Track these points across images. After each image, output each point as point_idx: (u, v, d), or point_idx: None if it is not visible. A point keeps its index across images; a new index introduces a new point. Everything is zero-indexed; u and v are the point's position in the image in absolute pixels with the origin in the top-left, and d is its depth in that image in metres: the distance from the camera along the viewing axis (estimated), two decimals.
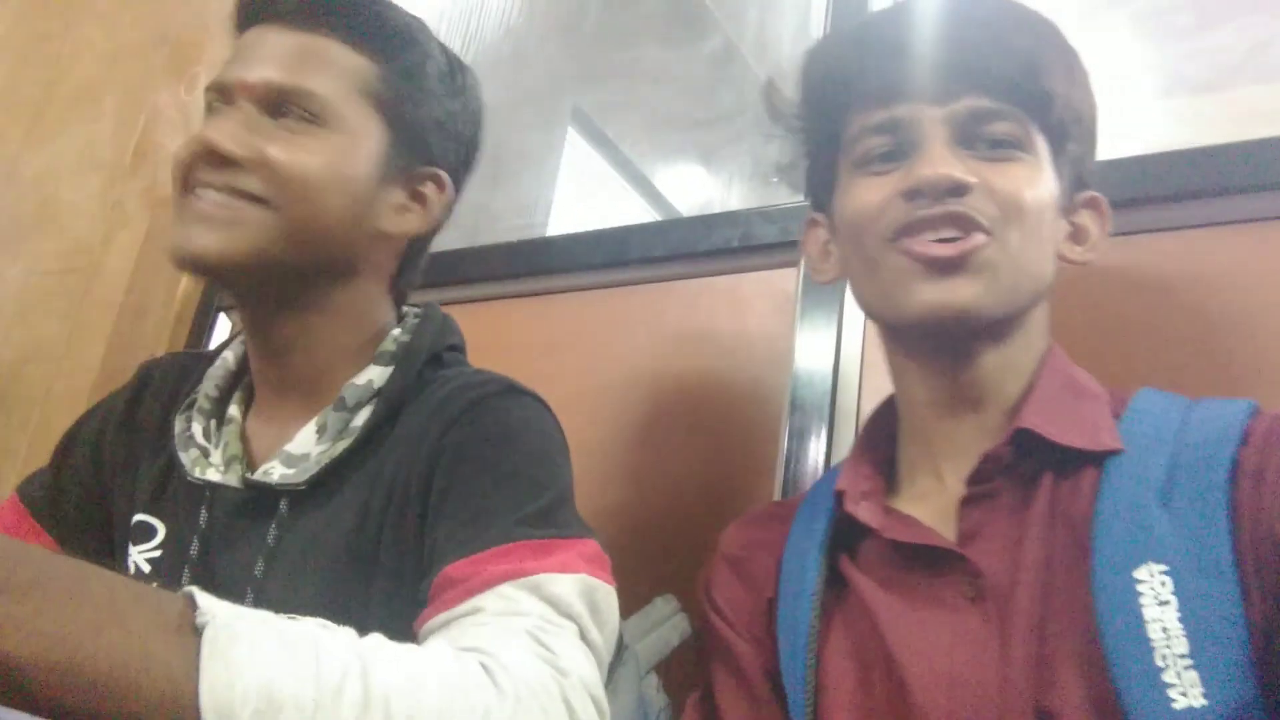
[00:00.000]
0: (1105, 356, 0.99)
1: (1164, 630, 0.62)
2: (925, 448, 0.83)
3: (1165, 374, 0.96)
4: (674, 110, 2.43)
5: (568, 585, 0.72)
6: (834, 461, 1.12)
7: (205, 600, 0.56)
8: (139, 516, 0.93)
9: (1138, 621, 0.63)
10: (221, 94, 0.87)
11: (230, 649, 0.54)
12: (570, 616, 0.71)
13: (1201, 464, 0.68)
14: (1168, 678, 0.61)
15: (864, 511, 0.80)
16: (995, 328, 0.78)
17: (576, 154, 2.45)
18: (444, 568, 0.73)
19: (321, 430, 0.87)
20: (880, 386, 1.14)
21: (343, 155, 0.85)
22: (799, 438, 1.15)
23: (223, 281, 0.87)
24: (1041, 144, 0.78)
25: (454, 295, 1.50)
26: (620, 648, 0.86)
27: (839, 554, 0.82)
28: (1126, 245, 1.00)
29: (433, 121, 0.92)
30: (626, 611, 0.85)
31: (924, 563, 0.76)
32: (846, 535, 0.83)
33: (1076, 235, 0.83)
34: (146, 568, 0.91)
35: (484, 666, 0.62)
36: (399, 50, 0.90)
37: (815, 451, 1.14)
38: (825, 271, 0.88)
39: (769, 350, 1.24)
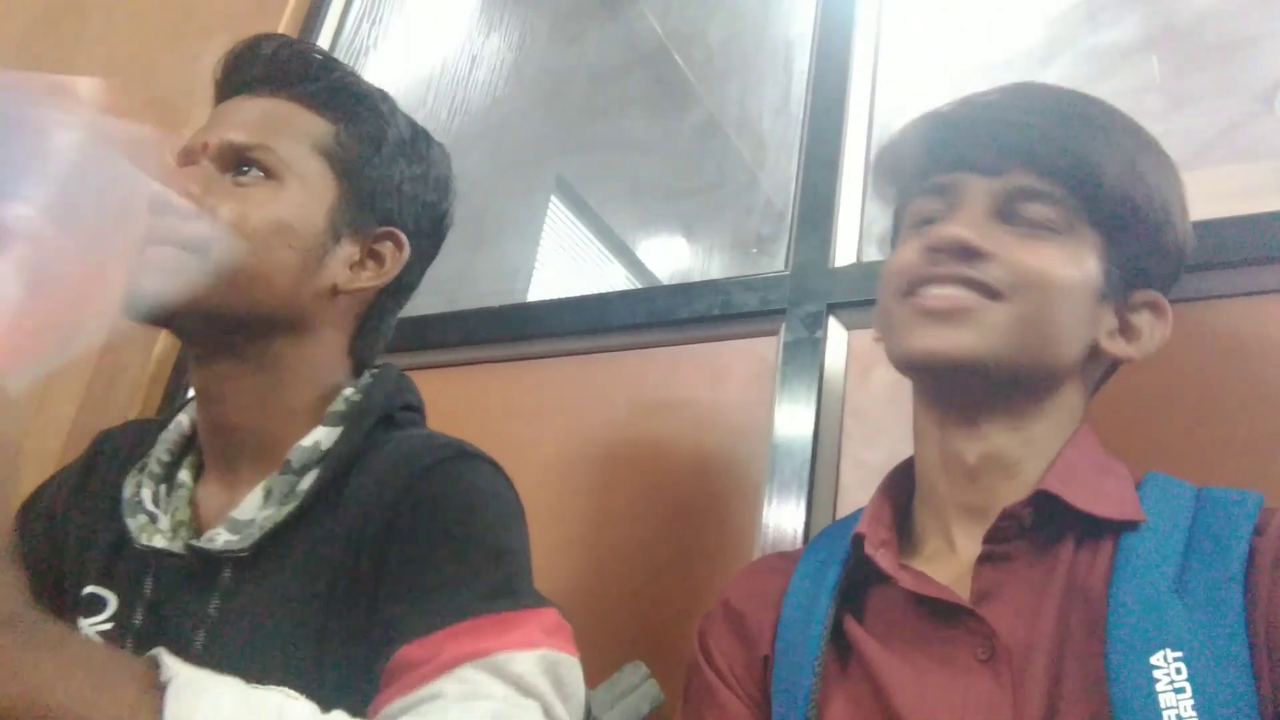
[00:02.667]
0: (1151, 425, 1.00)
1: (1178, 718, 0.62)
2: (937, 512, 0.83)
3: (1213, 444, 0.97)
4: (656, 180, 2.47)
5: (529, 663, 0.70)
6: (812, 532, 1.11)
7: (169, 659, 0.56)
8: (90, 589, 0.91)
9: (1154, 708, 0.62)
10: (186, 156, 0.90)
11: (193, 706, 0.53)
12: (534, 695, 0.69)
13: (1216, 553, 0.68)
14: None
15: (883, 559, 0.79)
16: (1005, 391, 0.79)
17: (559, 222, 2.47)
18: (400, 648, 0.71)
19: (268, 495, 0.85)
20: (861, 457, 1.15)
21: (292, 207, 0.87)
22: (777, 507, 1.15)
23: (166, 328, 0.89)
24: (1086, 230, 0.79)
25: (432, 360, 1.50)
26: (588, 717, 0.84)
27: (844, 611, 0.81)
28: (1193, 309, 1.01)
29: (390, 183, 0.94)
30: (591, 681, 0.83)
31: (937, 619, 0.75)
32: (855, 588, 0.82)
33: (1126, 331, 0.83)
34: (98, 640, 0.88)
35: None
36: (358, 115, 0.93)
37: (794, 521, 1.13)
38: (878, 332, 0.90)
39: (748, 419, 1.24)
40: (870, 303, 1.19)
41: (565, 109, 2.22)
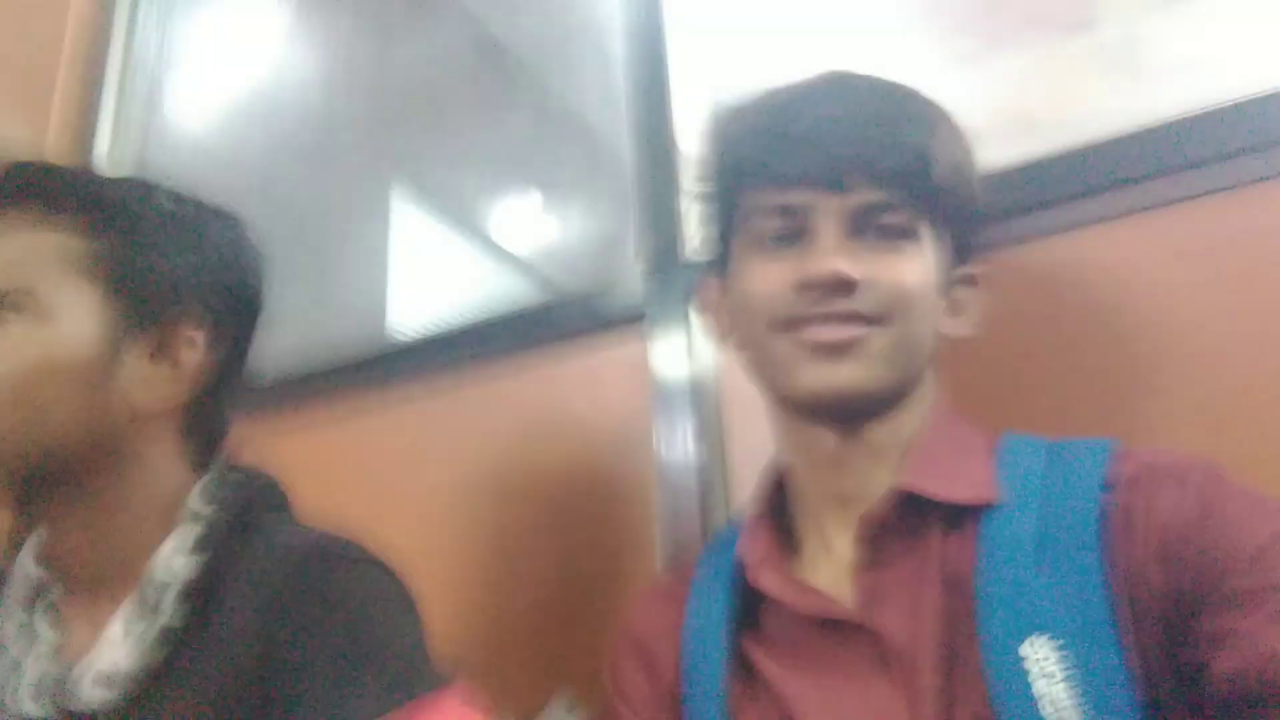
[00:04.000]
0: (1003, 371, 1.02)
1: (1054, 704, 0.64)
2: (810, 510, 0.85)
3: (1064, 380, 0.99)
4: (497, 174, 2.42)
5: None
6: (710, 528, 1.12)
7: None
8: None
9: (1029, 701, 0.65)
10: None
11: None
12: None
13: (1070, 520, 0.71)
14: None
15: (766, 581, 0.80)
16: (880, 405, 0.81)
17: (407, 229, 2.40)
18: None
19: (127, 628, 0.80)
20: (748, 445, 1.16)
21: (59, 345, 0.81)
22: (673, 514, 1.15)
23: None
24: (926, 230, 0.81)
25: (298, 421, 1.44)
26: None
27: (742, 633, 0.82)
28: (1015, 254, 1.03)
29: (161, 275, 0.86)
30: (521, 709, 0.82)
31: (828, 631, 0.77)
32: (748, 608, 0.83)
33: (953, 308, 0.86)
34: None
35: None
36: (105, 212, 0.85)
37: (690, 523, 1.13)
38: (723, 334, 0.90)
39: (629, 428, 1.23)
40: None
41: (392, 115, 2.15)
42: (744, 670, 0.81)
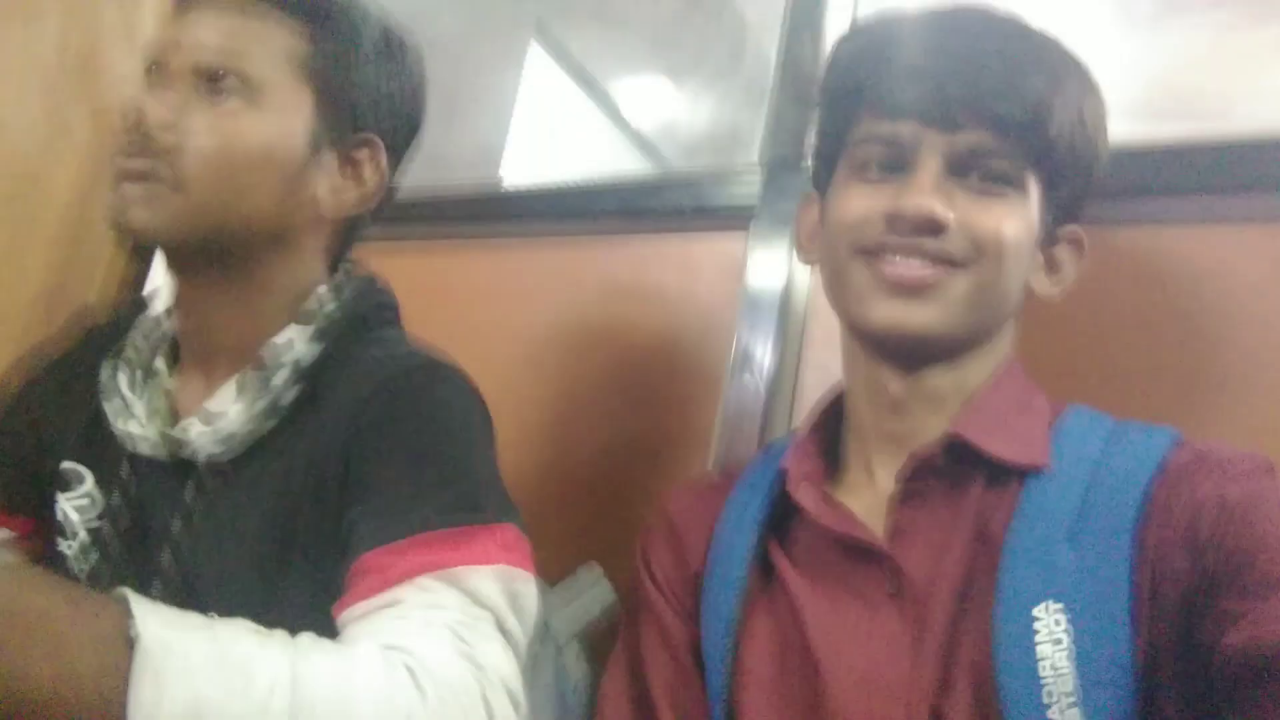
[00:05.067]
0: (1079, 345, 1.01)
1: (1054, 669, 0.66)
2: (861, 442, 0.86)
3: (1138, 368, 0.98)
4: (640, 26, 2.38)
5: (485, 577, 0.73)
6: (769, 438, 1.14)
7: (140, 609, 0.57)
8: (66, 463, 0.94)
9: (1031, 659, 0.67)
10: (157, 64, 0.87)
11: (161, 664, 0.55)
12: (487, 607, 0.72)
13: (1114, 499, 0.71)
14: (1051, 714, 0.65)
15: (804, 495, 0.82)
16: (950, 350, 0.81)
17: (539, 70, 2.40)
18: (363, 554, 0.74)
19: (241, 389, 0.87)
20: (823, 362, 1.17)
21: (272, 131, 0.87)
22: (736, 411, 1.17)
23: (148, 245, 0.89)
24: (1034, 183, 0.80)
25: (403, 234, 1.48)
26: (539, 626, 0.88)
27: (770, 537, 0.85)
28: (1117, 234, 1.01)
29: (366, 94, 0.92)
30: (550, 571, 0.87)
31: (851, 554, 0.79)
32: (782, 516, 0.85)
33: (1050, 266, 0.85)
34: (75, 516, 0.92)
35: (408, 669, 0.64)
36: (331, 23, 0.90)
37: (751, 426, 1.15)
38: (810, 253, 0.91)
39: (714, 315, 1.25)
40: None
41: None
42: (765, 571, 0.84)
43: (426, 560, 0.73)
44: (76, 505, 0.92)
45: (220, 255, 0.87)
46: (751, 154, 1.32)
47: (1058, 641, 0.67)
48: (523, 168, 2.21)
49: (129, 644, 0.55)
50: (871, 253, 0.79)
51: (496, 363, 1.32)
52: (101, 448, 0.92)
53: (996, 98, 0.77)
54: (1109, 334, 1.01)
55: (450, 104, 1.99)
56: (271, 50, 0.87)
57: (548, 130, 2.40)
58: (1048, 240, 0.84)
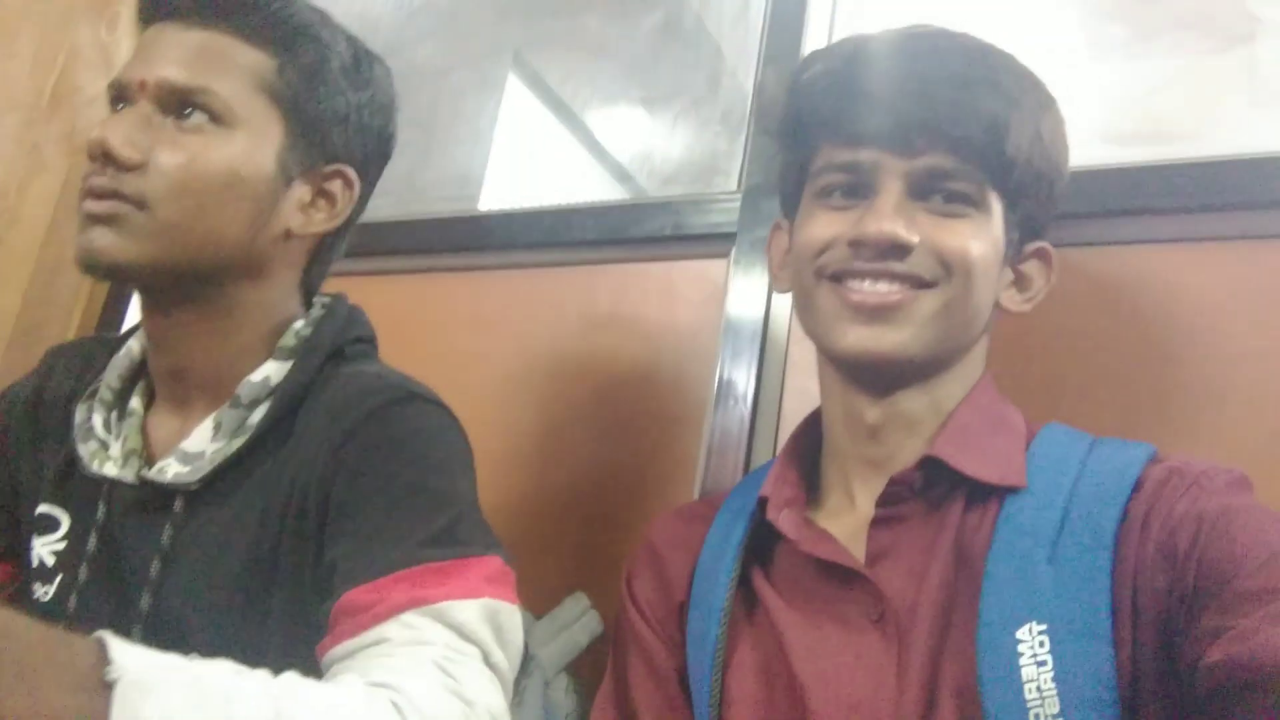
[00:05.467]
0: (1053, 366, 1.02)
1: (1039, 690, 0.66)
2: (840, 467, 0.86)
3: (1110, 389, 1.00)
4: (617, 55, 2.40)
5: (471, 611, 0.73)
6: (753, 464, 1.14)
7: (118, 651, 0.56)
8: (42, 508, 0.92)
9: (1016, 681, 0.67)
10: (122, 93, 0.86)
11: (139, 706, 0.54)
12: (473, 642, 0.72)
13: (1092, 517, 0.71)
14: None
15: (784, 521, 0.82)
16: (922, 372, 0.81)
17: (516, 102, 2.41)
18: (346, 591, 0.73)
19: (218, 428, 0.86)
20: (806, 388, 1.17)
21: (240, 155, 0.85)
22: (721, 437, 1.17)
23: (119, 282, 0.87)
24: (996, 202, 0.80)
25: (381, 266, 1.48)
26: (526, 658, 0.88)
27: (753, 564, 0.85)
28: (1090, 256, 1.03)
29: (336, 117, 0.91)
30: (533, 598, 0.86)
31: (833, 579, 0.79)
32: (763, 543, 0.85)
33: (1019, 283, 0.86)
34: (50, 560, 0.90)
35: (395, 705, 0.63)
36: (299, 45, 0.89)
37: (736, 452, 1.15)
38: (781, 280, 0.91)
39: (696, 342, 1.26)
40: None
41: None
42: (748, 598, 0.84)
43: (411, 596, 0.72)
44: (53, 550, 0.91)
45: (193, 286, 0.86)
46: (729, 182, 1.33)
47: (1041, 663, 0.67)
48: (501, 198, 2.21)
49: (107, 686, 0.54)
50: (838, 279, 0.80)
51: (476, 392, 1.32)
52: (77, 490, 0.91)
53: (952, 121, 0.78)
54: (1081, 353, 1.02)
55: (428, 134, 2.00)
56: (238, 73, 0.86)
57: (525, 160, 2.41)
58: (1015, 256, 0.85)
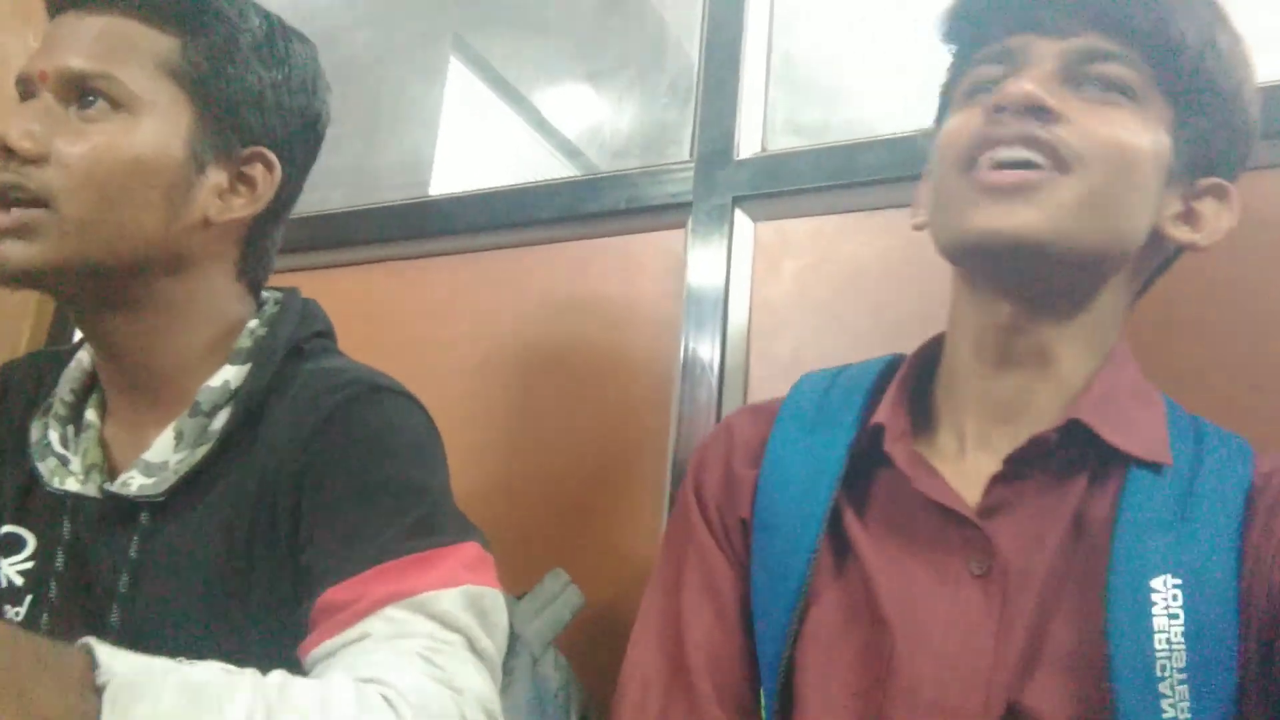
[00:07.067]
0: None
1: (1169, 643, 0.64)
2: (958, 404, 0.79)
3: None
4: (559, 32, 2.37)
5: (452, 600, 0.72)
6: None
7: (105, 655, 0.56)
8: (6, 528, 0.90)
9: (1148, 631, 0.64)
10: (25, 86, 0.82)
11: (130, 708, 0.54)
12: (458, 630, 0.71)
13: (1217, 489, 0.69)
14: (1163, 689, 0.63)
15: (900, 455, 0.76)
16: (1060, 276, 0.73)
17: (459, 83, 2.38)
18: (325, 590, 0.72)
19: (179, 437, 0.84)
20: (772, 353, 1.17)
21: (147, 142, 0.81)
22: (690, 408, 1.17)
23: (32, 289, 0.84)
24: (1158, 100, 0.73)
25: (336, 258, 1.46)
26: (512, 638, 0.87)
27: (841, 495, 0.79)
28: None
29: (249, 96, 0.87)
30: (513, 583, 0.86)
31: (938, 523, 0.74)
32: (859, 470, 0.79)
33: (1190, 217, 0.77)
34: (19, 580, 0.88)
35: (385, 699, 0.63)
36: (203, 24, 0.85)
37: (705, 424, 1.16)
38: (918, 214, 0.83)
39: (659, 313, 1.25)
40: (777, 194, 1.21)
41: None
42: (834, 527, 0.78)
43: (391, 590, 0.71)
44: (20, 570, 0.89)
45: (112, 286, 0.83)
46: (682, 152, 1.32)
47: (1174, 616, 0.64)
48: (452, 182, 2.19)
49: (97, 690, 0.54)
50: (971, 161, 0.72)
51: (439, 380, 1.31)
52: (40, 509, 0.88)
53: (1116, 4, 0.72)
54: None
55: (373, 122, 1.97)
56: (140, 57, 0.83)
57: (474, 143, 2.39)
58: (1183, 181, 0.76)
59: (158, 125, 0.82)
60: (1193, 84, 0.74)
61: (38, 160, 0.78)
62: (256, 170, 0.88)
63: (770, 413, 0.86)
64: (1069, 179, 0.69)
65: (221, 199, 0.86)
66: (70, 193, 0.78)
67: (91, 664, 0.55)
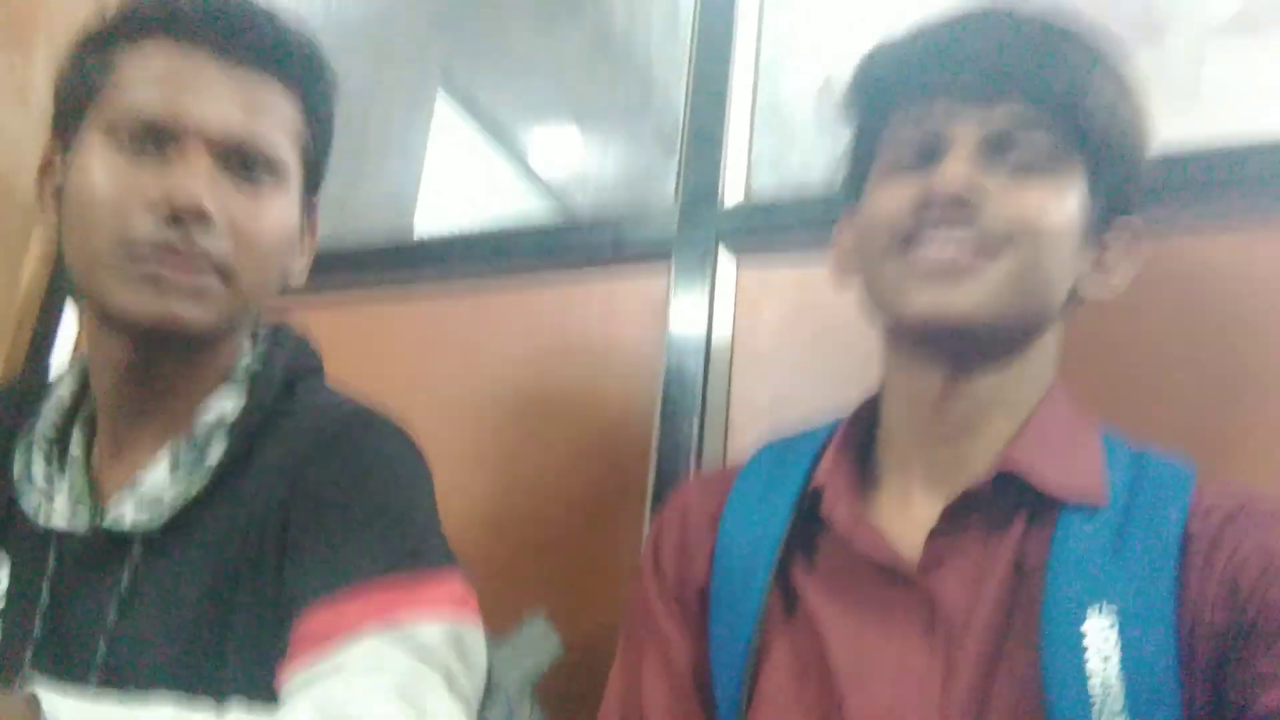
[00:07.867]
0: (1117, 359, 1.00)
1: (1103, 686, 0.64)
2: (898, 459, 0.81)
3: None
4: (547, 73, 2.40)
5: (434, 634, 0.71)
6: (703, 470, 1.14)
7: (50, 703, 0.55)
8: None
9: (1080, 676, 0.65)
10: (160, 134, 0.79)
11: None
12: (436, 664, 0.70)
13: (1153, 523, 0.70)
14: None
15: (840, 516, 0.78)
16: (993, 348, 0.76)
17: (446, 121, 2.40)
18: (305, 608, 0.72)
19: (174, 467, 0.83)
20: (753, 398, 1.17)
21: (294, 214, 0.86)
22: (670, 452, 1.17)
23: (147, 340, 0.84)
24: (1074, 160, 0.75)
25: (314, 297, 1.45)
26: (489, 687, 0.86)
27: (792, 554, 0.80)
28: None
29: (326, 150, 0.91)
30: (492, 624, 0.85)
31: (882, 580, 0.75)
32: (805, 532, 0.80)
33: (1101, 265, 0.80)
34: None
35: None
36: (321, 93, 0.88)
37: (685, 468, 1.15)
38: (847, 270, 0.85)
39: (640, 356, 1.25)
40: (760, 240, 1.22)
41: (450, 20, 2.14)
42: (785, 590, 0.79)
43: (371, 610, 0.71)
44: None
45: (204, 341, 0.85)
46: (665, 197, 1.33)
47: (1107, 657, 0.65)
48: (436, 220, 2.19)
49: None
50: (905, 243, 0.75)
51: (420, 420, 1.28)
52: (23, 540, 0.87)
53: (1031, 70, 0.74)
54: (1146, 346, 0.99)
55: (359, 157, 1.98)
56: (283, 125, 0.84)
57: (458, 180, 2.40)
58: (1095, 236, 0.78)
59: (293, 195, 0.86)
60: (1106, 138, 0.76)
61: (219, 232, 0.79)
62: (316, 218, 0.93)
63: (724, 482, 0.88)
64: (998, 263, 0.72)
65: (301, 254, 0.91)
66: (248, 270, 0.81)
67: (36, 710, 0.55)
